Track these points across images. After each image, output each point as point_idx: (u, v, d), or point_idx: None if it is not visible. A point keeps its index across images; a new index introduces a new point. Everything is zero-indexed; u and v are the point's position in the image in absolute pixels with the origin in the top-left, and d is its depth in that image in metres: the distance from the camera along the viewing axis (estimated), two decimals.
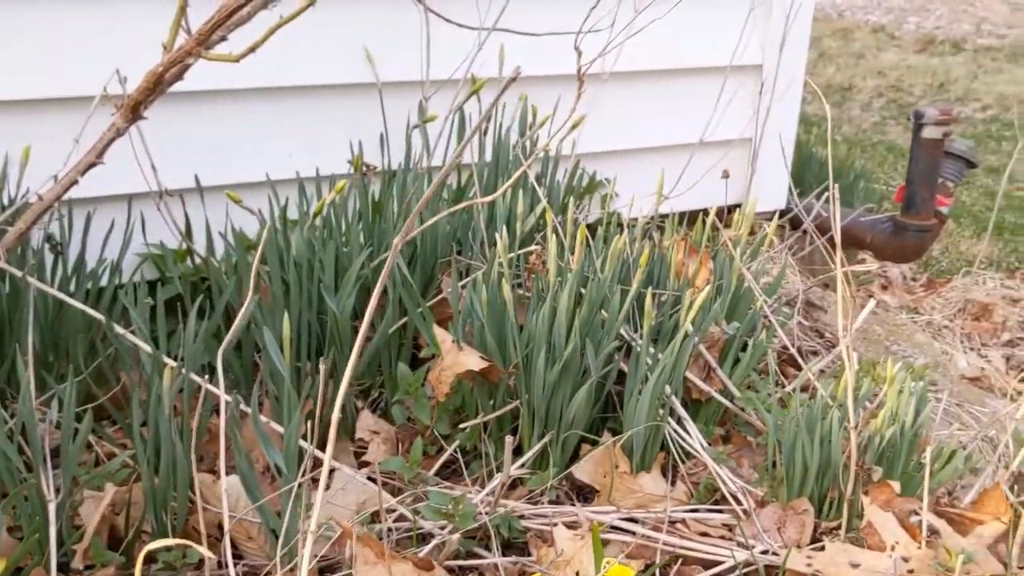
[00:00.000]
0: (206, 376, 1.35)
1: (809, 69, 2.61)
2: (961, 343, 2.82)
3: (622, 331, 1.57)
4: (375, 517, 1.33)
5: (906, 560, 1.23)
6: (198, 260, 1.78)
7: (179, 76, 1.21)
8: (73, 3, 1.63)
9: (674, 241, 1.76)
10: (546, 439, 1.50)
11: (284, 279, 1.57)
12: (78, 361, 1.53)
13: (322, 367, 1.09)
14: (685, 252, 1.75)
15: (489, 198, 1.17)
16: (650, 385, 1.44)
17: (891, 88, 6.97)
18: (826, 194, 2.65)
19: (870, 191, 3.90)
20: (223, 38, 1.16)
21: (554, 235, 1.52)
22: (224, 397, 1.28)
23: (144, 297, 1.48)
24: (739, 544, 1.33)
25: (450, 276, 1.60)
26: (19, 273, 1.44)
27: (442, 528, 1.31)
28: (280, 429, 1.40)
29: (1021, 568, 1.25)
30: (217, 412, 1.36)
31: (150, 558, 1.27)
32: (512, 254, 1.66)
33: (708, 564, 1.31)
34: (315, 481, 1.09)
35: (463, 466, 1.53)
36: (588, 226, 1.61)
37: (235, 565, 1.26)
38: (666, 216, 1.93)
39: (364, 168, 1.83)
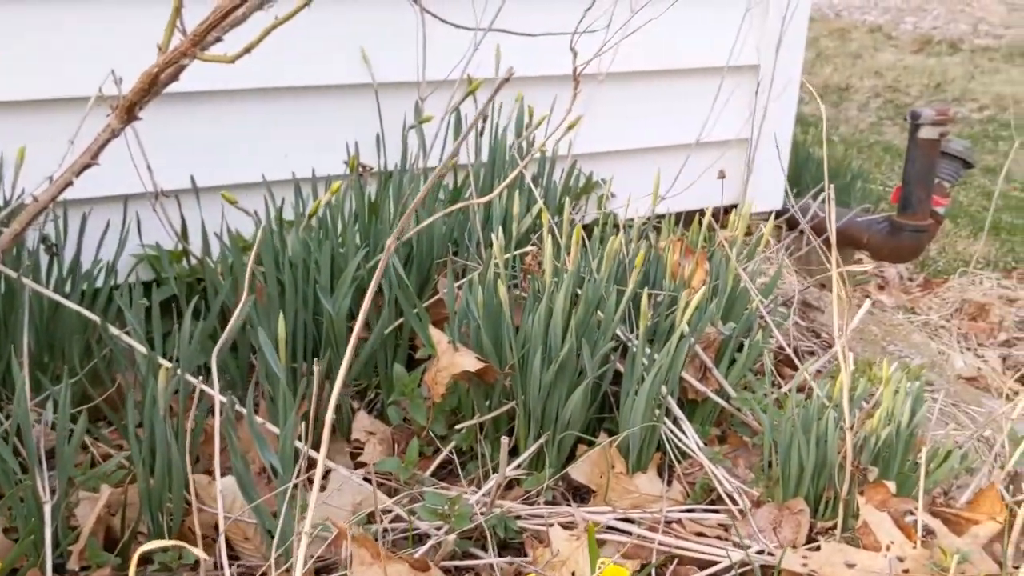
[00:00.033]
0: (202, 377, 1.35)
1: (806, 69, 2.61)
2: (958, 343, 2.82)
3: (618, 332, 1.57)
4: (371, 518, 1.33)
5: (901, 560, 1.23)
6: (194, 261, 1.78)
7: (174, 77, 1.21)
8: (73, 3, 1.63)
9: (670, 241, 1.76)
10: (542, 440, 1.50)
11: (280, 280, 1.57)
12: (73, 362, 1.53)
13: (316, 368, 1.09)
14: (681, 252, 1.76)
15: (485, 199, 1.17)
16: (646, 386, 1.44)
17: (888, 88, 6.97)
18: (823, 194, 2.65)
19: (867, 191, 3.91)
20: (218, 39, 1.16)
21: (550, 236, 1.52)
22: (219, 398, 1.28)
23: (140, 298, 1.48)
24: (735, 544, 1.33)
25: (446, 277, 1.60)
26: (14, 274, 1.44)
27: (438, 529, 1.31)
28: (276, 430, 1.40)
29: (1016, 568, 1.25)
30: (213, 413, 1.36)
31: (146, 559, 1.27)
32: (508, 255, 1.66)
33: (704, 564, 1.31)
34: (311, 482, 1.09)
35: (459, 467, 1.53)
36: (584, 226, 1.61)
37: (231, 566, 1.26)
38: (662, 216, 1.93)
39: (360, 169, 1.83)
